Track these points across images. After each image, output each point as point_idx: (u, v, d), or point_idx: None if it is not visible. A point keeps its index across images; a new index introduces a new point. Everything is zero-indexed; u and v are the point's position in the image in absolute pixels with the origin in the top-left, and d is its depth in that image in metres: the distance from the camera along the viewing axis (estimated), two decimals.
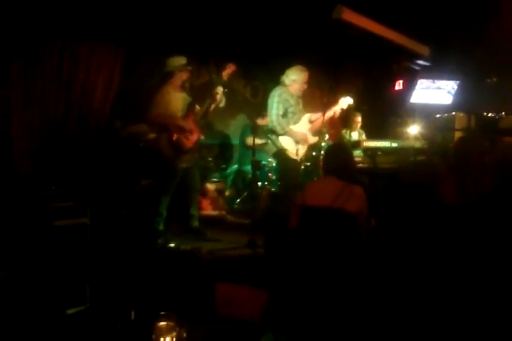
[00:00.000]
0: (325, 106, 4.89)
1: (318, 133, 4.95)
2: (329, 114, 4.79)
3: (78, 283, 3.41)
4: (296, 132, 4.74)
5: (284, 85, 4.78)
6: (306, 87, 4.87)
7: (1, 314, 2.74)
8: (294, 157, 4.73)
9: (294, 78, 4.75)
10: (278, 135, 4.73)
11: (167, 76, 4.43)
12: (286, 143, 4.73)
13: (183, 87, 4.54)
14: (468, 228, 3.05)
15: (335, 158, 3.20)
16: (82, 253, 3.50)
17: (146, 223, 4.46)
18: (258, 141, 4.97)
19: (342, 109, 4.87)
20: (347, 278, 2.86)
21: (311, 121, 4.88)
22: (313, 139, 4.89)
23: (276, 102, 4.70)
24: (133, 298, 3.37)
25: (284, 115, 4.72)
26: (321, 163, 3.51)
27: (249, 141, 5.17)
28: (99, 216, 3.82)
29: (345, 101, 4.82)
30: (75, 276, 3.41)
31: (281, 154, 4.80)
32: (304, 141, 4.77)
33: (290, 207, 3.26)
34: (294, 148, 4.72)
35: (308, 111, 4.99)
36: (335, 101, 4.93)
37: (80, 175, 4.48)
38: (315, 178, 5.05)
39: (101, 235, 3.82)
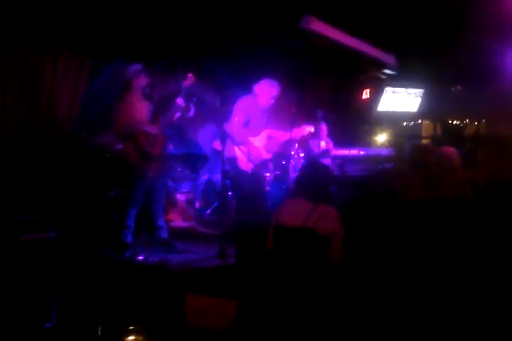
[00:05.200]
0: (293, 117, 4.92)
1: (272, 150, 4.95)
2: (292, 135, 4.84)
3: (44, 299, 3.32)
4: (253, 145, 4.72)
5: (254, 95, 4.79)
6: (273, 101, 4.85)
7: None
8: (244, 168, 4.71)
9: (263, 91, 4.77)
10: (235, 143, 4.71)
11: (127, 84, 4.43)
12: (239, 152, 4.71)
13: (145, 96, 4.51)
14: (434, 230, 3.10)
15: (311, 181, 3.10)
16: (48, 267, 3.41)
17: (113, 235, 4.38)
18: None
19: (302, 136, 4.94)
20: (314, 295, 2.85)
21: (270, 137, 4.88)
22: (266, 156, 4.88)
23: (241, 110, 4.69)
24: (100, 312, 3.30)
25: (246, 125, 4.71)
26: (295, 182, 3.44)
27: (216, 144, 5.13)
28: (65, 229, 3.74)
29: (308, 129, 4.91)
30: (41, 292, 3.31)
31: (231, 162, 4.76)
32: (257, 157, 4.74)
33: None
34: (244, 159, 4.70)
35: (275, 122, 5.00)
36: (303, 111, 4.98)
37: (45, 186, 4.38)
38: (284, 187, 5.06)
39: (67, 248, 3.74)
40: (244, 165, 4.72)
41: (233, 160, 4.75)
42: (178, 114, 4.57)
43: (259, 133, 4.81)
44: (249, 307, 2.96)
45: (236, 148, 4.70)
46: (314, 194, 3.02)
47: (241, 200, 4.91)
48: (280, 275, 2.95)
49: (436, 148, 3.84)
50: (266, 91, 4.77)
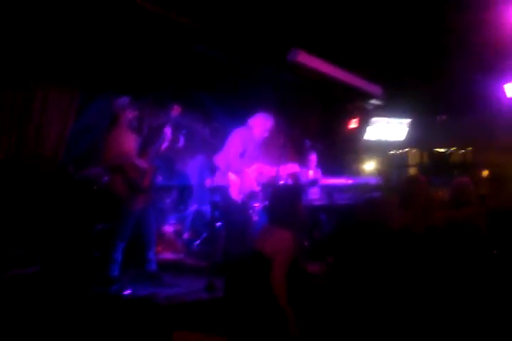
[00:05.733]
0: (281, 147, 4.99)
1: (261, 183, 4.98)
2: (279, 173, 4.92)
3: (30, 335, 3.25)
4: (247, 176, 4.78)
5: (248, 127, 4.89)
6: (267, 134, 4.95)
7: None
8: (235, 197, 4.73)
9: (258, 124, 4.87)
10: (230, 171, 4.75)
11: (114, 118, 4.46)
12: (233, 180, 4.75)
13: (133, 129, 4.55)
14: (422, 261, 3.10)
15: (270, 205, 3.20)
16: (33, 303, 3.36)
17: (100, 269, 4.32)
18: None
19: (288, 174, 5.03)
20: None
21: (260, 173, 4.94)
22: (256, 188, 4.92)
23: (237, 141, 4.77)
24: None
25: (241, 156, 4.77)
26: None
27: (208, 181, 5.18)
28: (50, 263, 3.69)
29: (294, 168, 4.99)
30: (27, 328, 3.25)
31: (222, 191, 4.79)
32: (248, 188, 4.79)
33: None
34: (237, 188, 4.73)
35: (264, 153, 5.07)
36: (291, 142, 5.05)
37: (31, 220, 4.34)
38: None
39: (53, 284, 3.68)
40: (236, 194, 4.75)
41: (224, 189, 4.78)
42: (165, 145, 4.61)
43: (251, 165, 4.88)
44: None
45: (230, 177, 4.74)
46: (272, 217, 3.07)
47: (230, 230, 4.90)
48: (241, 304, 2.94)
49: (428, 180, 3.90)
50: (260, 124, 4.87)
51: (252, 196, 4.88)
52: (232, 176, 4.73)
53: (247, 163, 4.84)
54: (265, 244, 2.90)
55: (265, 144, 5.15)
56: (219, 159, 4.77)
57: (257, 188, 4.90)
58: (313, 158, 6.44)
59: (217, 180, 4.76)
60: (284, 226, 2.98)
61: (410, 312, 2.92)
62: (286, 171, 4.98)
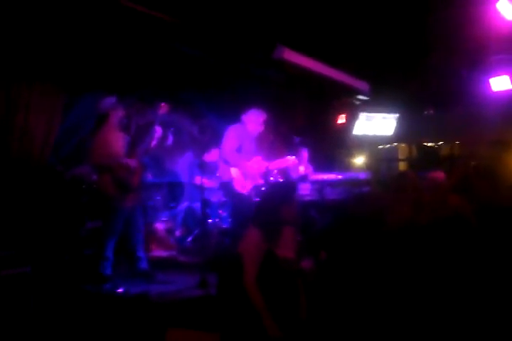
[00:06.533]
0: (271, 144, 5.05)
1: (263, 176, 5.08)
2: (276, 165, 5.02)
3: (22, 335, 3.23)
4: (249, 166, 4.87)
5: (242, 123, 5.00)
6: (261, 128, 5.07)
7: None
8: (240, 190, 4.81)
9: (251, 119, 4.99)
10: (230, 166, 4.85)
11: (103, 117, 4.46)
12: (235, 173, 4.83)
13: (122, 127, 4.54)
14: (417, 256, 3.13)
15: (259, 201, 3.20)
16: (25, 303, 3.34)
17: (92, 268, 4.31)
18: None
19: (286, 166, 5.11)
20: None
21: (260, 167, 5.02)
22: (260, 181, 4.99)
23: (232, 137, 4.88)
24: None
25: (238, 151, 4.85)
26: None
27: (198, 178, 5.19)
28: (41, 263, 3.67)
29: (290, 160, 5.14)
30: (18, 328, 3.22)
31: (227, 186, 4.88)
32: (253, 177, 4.88)
33: None
34: (241, 180, 4.82)
35: (259, 149, 5.15)
36: (280, 138, 5.11)
37: (20, 220, 4.30)
38: None
39: (44, 284, 3.66)
40: (240, 187, 4.82)
41: (228, 183, 4.84)
42: (154, 143, 4.61)
43: (250, 158, 4.96)
44: (232, 339, 2.92)
45: (232, 170, 4.81)
46: (253, 217, 3.05)
47: (239, 223, 4.93)
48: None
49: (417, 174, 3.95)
50: (254, 119, 4.99)
51: (256, 189, 4.96)
52: (233, 171, 4.81)
53: (245, 157, 4.92)
54: (239, 243, 2.92)
55: (257, 140, 5.21)
56: (213, 156, 4.84)
57: (261, 181, 4.98)
58: (304, 154, 6.45)
59: (221, 177, 4.91)
60: (254, 224, 2.96)
61: (402, 309, 2.95)
62: (280, 165, 5.05)
